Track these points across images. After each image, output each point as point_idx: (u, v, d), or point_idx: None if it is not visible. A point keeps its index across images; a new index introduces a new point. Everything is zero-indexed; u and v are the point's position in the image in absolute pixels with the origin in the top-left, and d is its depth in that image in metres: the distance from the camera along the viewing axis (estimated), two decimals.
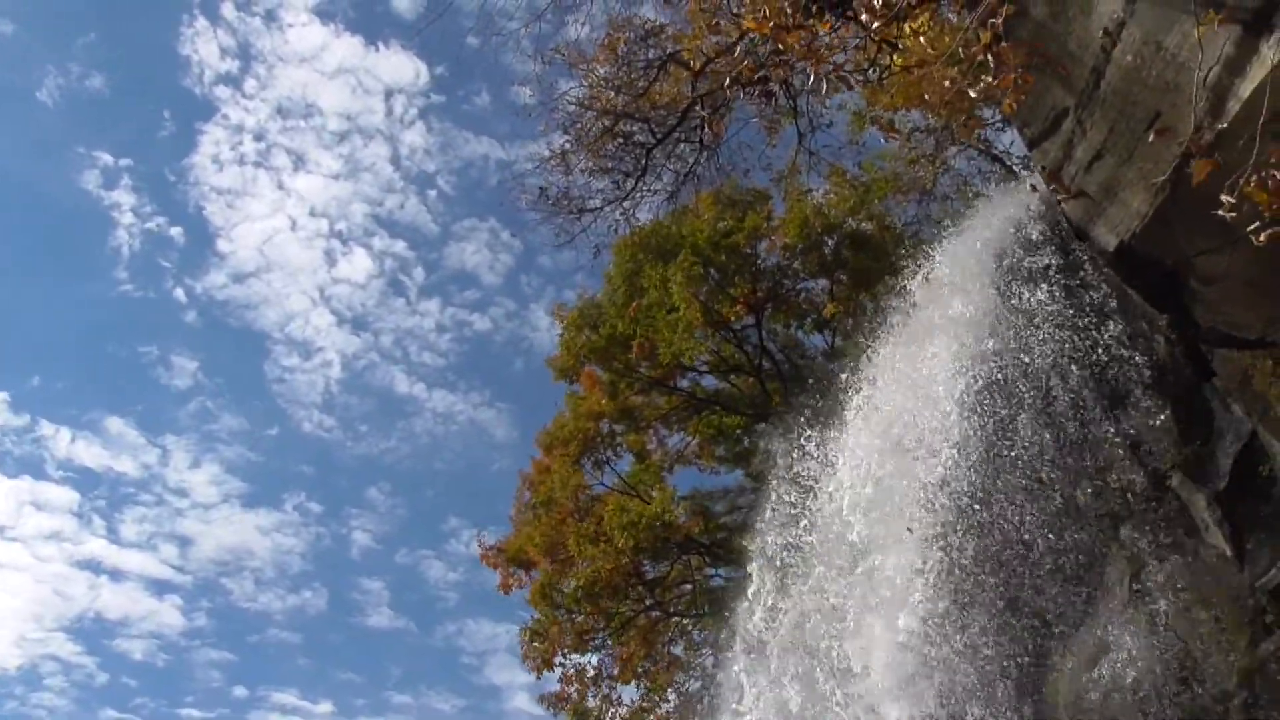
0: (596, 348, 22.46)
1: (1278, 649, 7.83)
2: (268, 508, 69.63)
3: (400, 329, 67.96)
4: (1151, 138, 7.01)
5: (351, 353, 67.98)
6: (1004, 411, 9.76)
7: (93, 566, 65.23)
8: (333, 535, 65.11)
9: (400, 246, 66.68)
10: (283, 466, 70.36)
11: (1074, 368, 9.86)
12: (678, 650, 23.21)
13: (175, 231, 64.49)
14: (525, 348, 65.35)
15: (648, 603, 22.52)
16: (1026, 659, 9.32)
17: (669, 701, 22.33)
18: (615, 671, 22.36)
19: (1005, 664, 9.17)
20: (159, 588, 68.16)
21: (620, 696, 22.37)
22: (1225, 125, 6.52)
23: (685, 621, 23.33)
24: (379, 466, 68.29)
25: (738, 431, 24.08)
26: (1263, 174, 5.28)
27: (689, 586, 23.43)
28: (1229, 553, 8.58)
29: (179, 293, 64.82)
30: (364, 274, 70.21)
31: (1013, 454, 9.61)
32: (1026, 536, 9.42)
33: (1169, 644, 8.65)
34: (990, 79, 7.28)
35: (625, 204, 18.20)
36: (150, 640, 61.41)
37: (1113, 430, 9.50)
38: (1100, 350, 9.92)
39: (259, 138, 66.89)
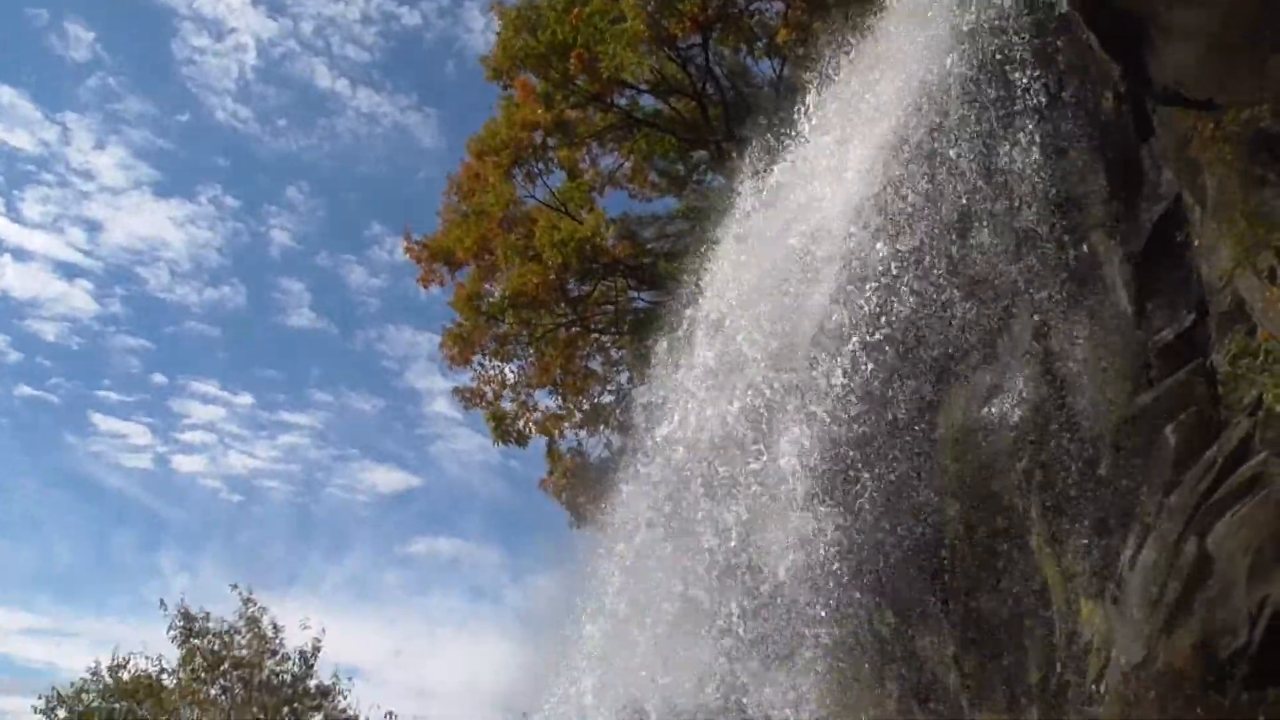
0: (534, 53, 21.33)
1: (1154, 400, 8.34)
2: (181, 198, 67.80)
3: (322, 16, 63.80)
4: None
5: (268, 38, 63.99)
6: (939, 154, 9.71)
7: None
8: (250, 232, 64.12)
9: None
10: (195, 156, 67.88)
11: (1020, 119, 9.73)
12: (595, 365, 23.99)
13: None
14: (457, 49, 62.25)
15: (570, 318, 22.93)
16: (925, 398, 9.82)
17: (581, 412, 23.33)
18: (532, 378, 23.09)
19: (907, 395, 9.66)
20: (67, 271, 67.00)
21: (536, 402, 23.28)
22: None
23: (604, 339, 23.94)
24: (298, 164, 66.34)
25: (673, 155, 23.68)
26: None
27: (611, 307, 23.82)
28: (1130, 311, 8.92)
29: None
30: None
31: (937, 201, 9.66)
32: (942, 282, 9.66)
33: (1057, 390, 9.16)
34: None
35: None
36: (62, 323, 61.20)
37: (1043, 183, 9.52)
38: (1044, 102, 9.76)
39: None
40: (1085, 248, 9.28)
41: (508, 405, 23.03)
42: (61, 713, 24.10)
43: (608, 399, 23.47)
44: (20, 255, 63.56)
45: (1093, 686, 7.93)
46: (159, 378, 64.15)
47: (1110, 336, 8.95)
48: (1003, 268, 9.44)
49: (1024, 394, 9.24)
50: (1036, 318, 9.44)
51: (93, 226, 64.28)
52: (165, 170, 63.61)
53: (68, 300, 60.92)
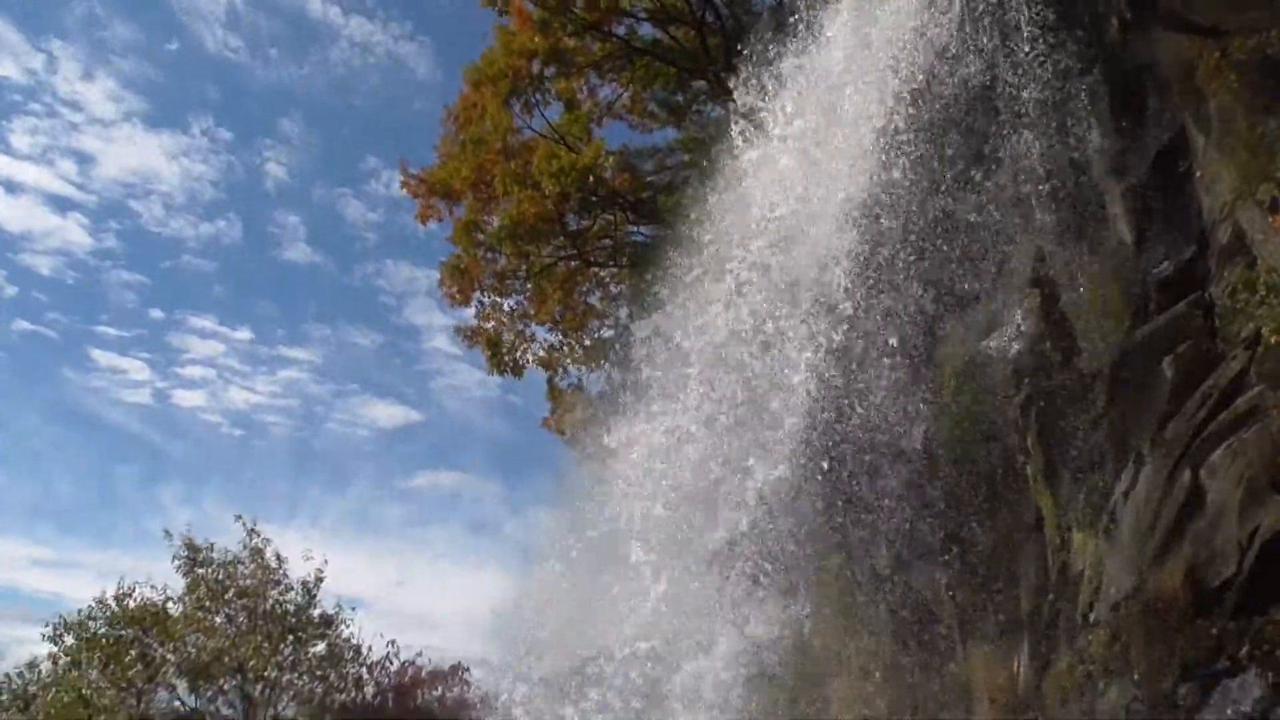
0: None
1: (1152, 332, 8.33)
2: (173, 130, 66.93)
3: None
4: None
5: None
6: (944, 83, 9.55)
7: None
8: (245, 165, 63.46)
9: None
10: (186, 87, 66.83)
11: (1023, 46, 9.55)
12: (594, 300, 23.90)
13: None
14: None
15: (568, 251, 22.79)
16: (923, 329, 9.80)
17: (582, 347, 23.32)
18: (531, 311, 23.04)
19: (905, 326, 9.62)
20: (60, 204, 66.48)
21: (534, 334, 23.26)
22: None
23: (603, 273, 23.80)
24: (291, 96, 65.38)
25: (672, 85, 23.31)
26: None
27: (609, 241, 23.65)
28: (1130, 243, 8.86)
29: None
30: None
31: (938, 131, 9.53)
32: (942, 213, 9.57)
33: (1056, 322, 9.15)
34: None
35: None
36: (57, 257, 60.89)
37: (1043, 112, 9.38)
38: (1048, 29, 9.57)
39: None
40: (1086, 178, 9.19)
41: (506, 338, 23.00)
42: (69, 639, 24.57)
43: (607, 334, 23.43)
44: (11, 188, 62.95)
45: (1084, 616, 8.04)
46: (156, 313, 64.12)
47: (1110, 269, 8.91)
48: (1003, 198, 9.35)
49: (1023, 327, 9.23)
50: (1036, 249, 9.38)
51: (84, 159, 63.55)
52: (155, 101, 62.74)
53: (62, 234, 60.55)
